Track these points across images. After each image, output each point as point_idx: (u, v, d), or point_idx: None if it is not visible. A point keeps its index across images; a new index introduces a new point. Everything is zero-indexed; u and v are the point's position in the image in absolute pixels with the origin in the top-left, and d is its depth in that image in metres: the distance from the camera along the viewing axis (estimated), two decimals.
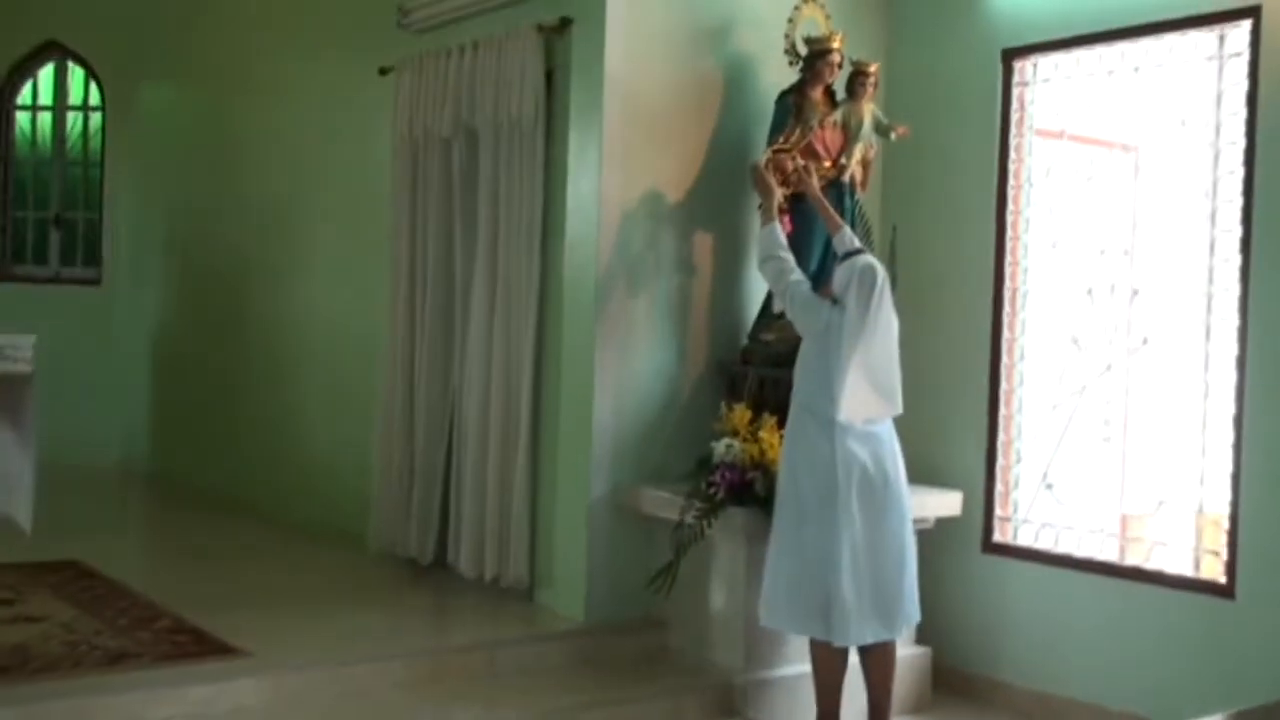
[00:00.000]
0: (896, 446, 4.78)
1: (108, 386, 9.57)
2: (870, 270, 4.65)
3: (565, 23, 5.52)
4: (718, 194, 5.62)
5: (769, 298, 5.50)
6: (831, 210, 5.10)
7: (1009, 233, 5.65)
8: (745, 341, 5.62)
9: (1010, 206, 5.65)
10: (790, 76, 5.52)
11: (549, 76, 5.66)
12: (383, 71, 6.67)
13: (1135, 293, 5.31)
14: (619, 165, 5.32)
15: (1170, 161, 5.31)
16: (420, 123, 6.29)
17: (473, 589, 5.93)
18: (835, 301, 4.70)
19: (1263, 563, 4.76)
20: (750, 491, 4.97)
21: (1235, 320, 4.87)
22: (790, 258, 4.98)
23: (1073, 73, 5.48)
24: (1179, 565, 5.12)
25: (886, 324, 4.67)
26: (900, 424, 5.42)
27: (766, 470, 4.99)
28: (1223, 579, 4.91)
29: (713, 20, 5.60)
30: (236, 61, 8.38)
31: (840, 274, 4.69)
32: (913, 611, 4.79)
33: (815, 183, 5.18)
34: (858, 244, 4.89)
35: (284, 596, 5.86)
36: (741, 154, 5.65)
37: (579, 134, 5.42)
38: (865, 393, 4.60)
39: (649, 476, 5.47)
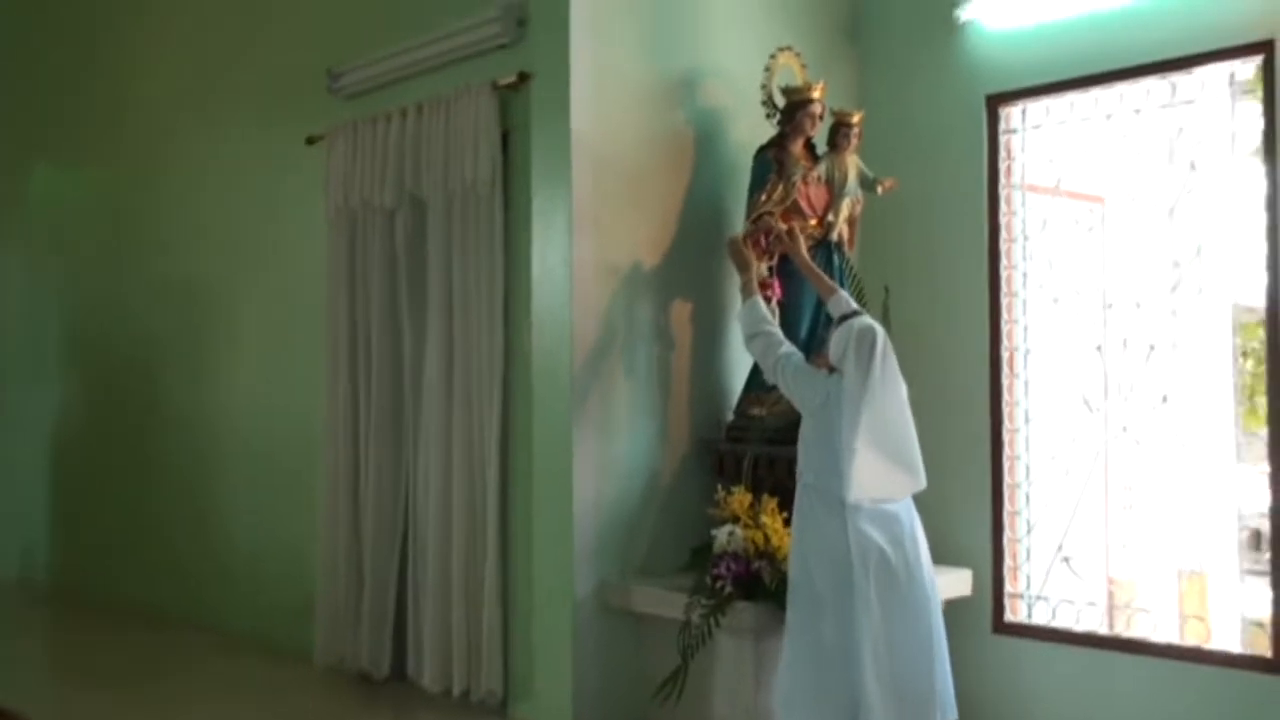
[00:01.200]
0: (918, 526, 4.34)
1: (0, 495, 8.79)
2: (869, 332, 4.24)
3: (524, 78, 5.07)
4: (694, 258, 5.19)
5: (755, 369, 5.05)
6: (822, 275, 4.70)
7: (1004, 289, 5.30)
8: (730, 417, 5.17)
9: (1004, 261, 5.30)
10: (762, 131, 5.12)
11: (504, 137, 5.20)
12: (310, 141, 6.16)
13: (1151, 348, 4.97)
14: (590, 230, 4.86)
15: (1178, 209, 5.00)
16: (357, 193, 5.77)
17: (438, 705, 5.33)
18: (833, 370, 4.28)
19: None
20: (758, 583, 4.49)
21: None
22: (777, 331, 4.57)
23: (1066, 118, 5.17)
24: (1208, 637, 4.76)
25: (894, 389, 4.24)
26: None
27: (773, 559, 4.52)
28: (1269, 653, 4.54)
29: (679, 73, 5.20)
30: (142, 137, 7.76)
31: (836, 339, 4.27)
32: (949, 708, 4.32)
33: (803, 248, 4.78)
34: (853, 305, 4.49)
35: None
36: (716, 213, 5.24)
37: (543, 197, 4.95)
38: (879, 467, 4.17)
39: (635, 571, 4.97)
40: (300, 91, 6.33)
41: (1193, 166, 5.00)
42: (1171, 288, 5.02)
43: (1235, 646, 4.94)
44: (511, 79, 5.10)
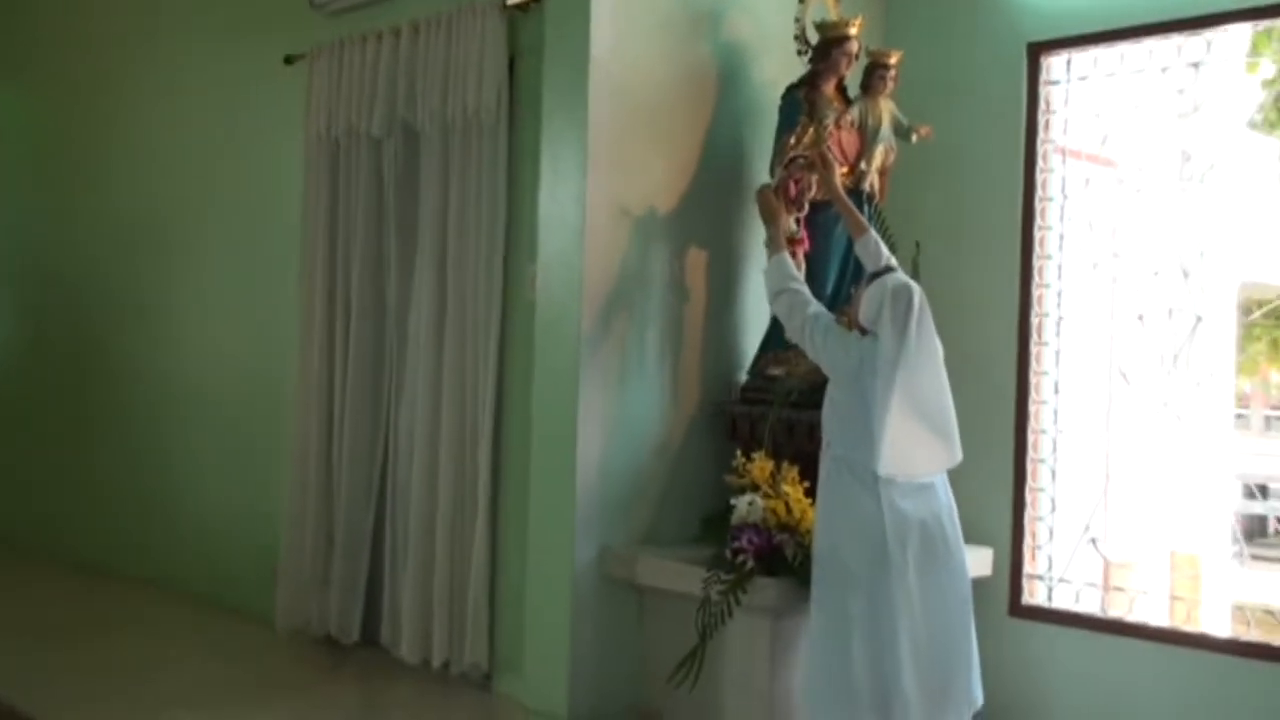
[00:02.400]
0: (952, 499, 4.01)
1: None
2: (904, 290, 3.88)
3: None
4: (712, 203, 4.79)
5: (774, 325, 4.69)
6: (855, 210, 4.33)
7: (1036, 251, 4.96)
8: (745, 377, 4.79)
9: (1038, 221, 4.96)
10: (788, 71, 4.73)
11: (510, 63, 4.76)
12: (288, 60, 5.68)
13: (1199, 319, 4.66)
14: (606, 168, 4.44)
15: (1234, 169, 4.70)
16: (341, 120, 5.30)
17: (412, 676, 4.96)
18: (864, 332, 3.92)
19: None
20: (779, 558, 4.13)
21: None
22: (805, 289, 4.18)
23: (1116, 69, 4.82)
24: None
25: (930, 352, 3.90)
26: None
27: (795, 532, 4.17)
28: None
29: (705, 2, 4.78)
30: (98, 55, 7.16)
31: (869, 299, 3.90)
32: (977, 695, 4.01)
33: (837, 177, 4.40)
34: (886, 258, 4.12)
35: (165, 686, 4.82)
36: (736, 156, 4.86)
37: (555, 130, 4.51)
38: (916, 439, 3.84)
39: (638, 539, 4.59)
40: (276, 5, 5.83)
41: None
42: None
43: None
44: None
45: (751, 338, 4.87)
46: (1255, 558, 7.89)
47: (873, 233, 4.21)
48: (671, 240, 4.67)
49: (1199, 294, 5.10)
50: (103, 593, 6.46)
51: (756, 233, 4.85)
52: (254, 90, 6.01)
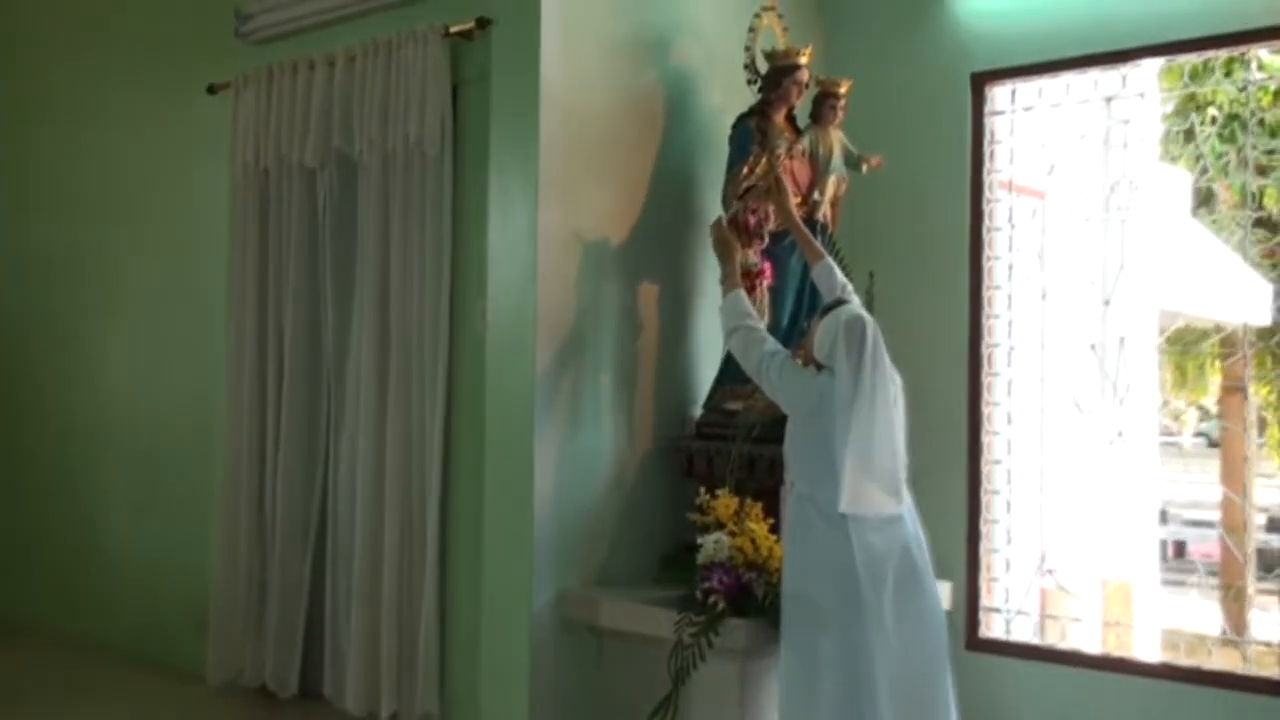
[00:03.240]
0: (919, 529, 3.92)
1: None
2: (858, 323, 3.76)
3: (483, 24, 4.50)
4: (663, 234, 4.69)
5: (729, 359, 4.59)
6: (810, 237, 4.27)
7: (985, 281, 4.94)
8: (700, 411, 4.69)
9: (987, 251, 4.95)
10: (736, 97, 4.67)
11: (453, 92, 4.63)
12: (211, 90, 5.46)
13: (1122, 343, 4.69)
14: (558, 198, 4.31)
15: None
16: (271, 150, 5.11)
17: None
18: (820, 367, 3.83)
19: None
20: (749, 598, 4.02)
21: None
22: (759, 326, 4.08)
23: (1061, 100, 4.84)
24: None
25: (884, 390, 3.76)
26: None
27: (763, 570, 4.06)
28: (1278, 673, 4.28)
29: (652, 28, 4.70)
30: (13, 81, 6.85)
31: (823, 333, 3.79)
32: None
33: (791, 202, 4.33)
34: (842, 286, 4.06)
35: None
36: (686, 185, 4.77)
37: (505, 160, 4.37)
38: (870, 476, 3.72)
39: (594, 580, 4.44)
40: (199, 33, 5.62)
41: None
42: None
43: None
44: (467, 25, 4.53)
45: (704, 371, 4.78)
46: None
47: (829, 259, 4.15)
48: (624, 272, 4.56)
49: (1122, 321, 5.16)
50: (11, 650, 6.09)
51: (707, 264, 4.77)
52: (176, 119, 5.79)
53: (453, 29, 4.57)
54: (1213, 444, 12.36)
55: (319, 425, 5.02)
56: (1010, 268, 4.94)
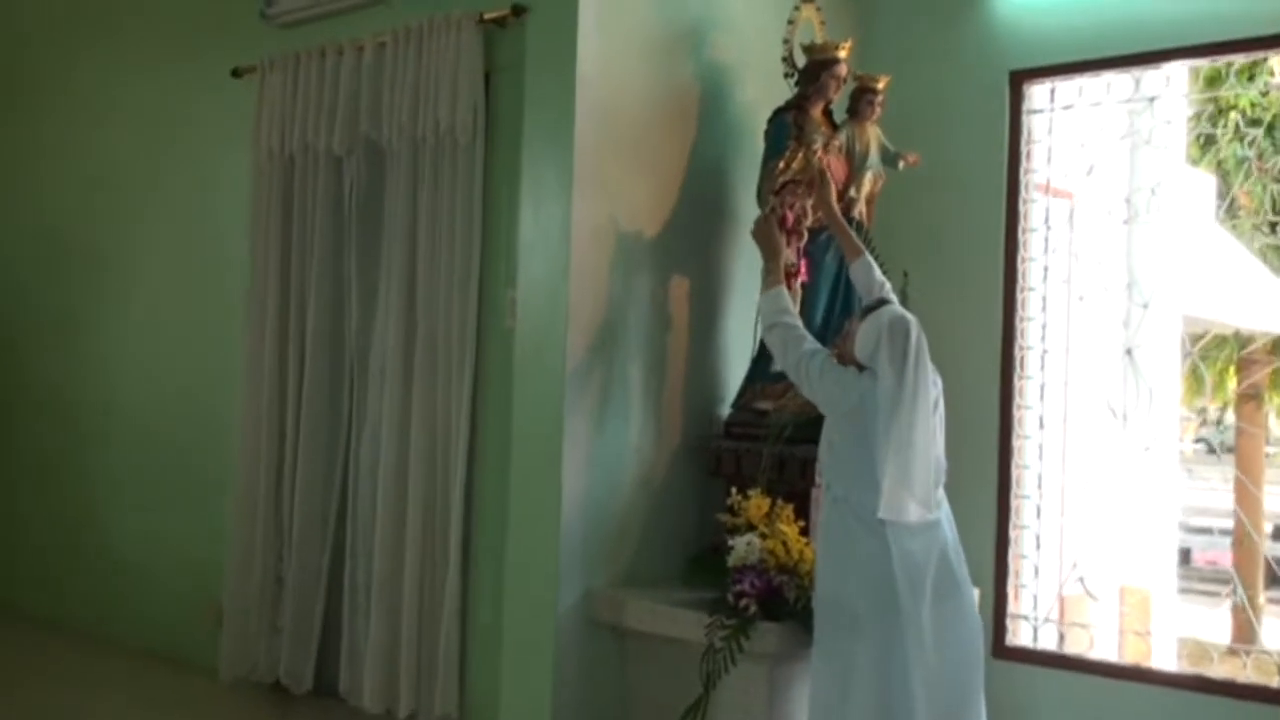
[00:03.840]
0: (956, 534, 3.84)
1: None
2: (901, 324, 3.67)
3: (518, 12, 4.42)
4: (695, 228, 4.61)
5: (759, 357, 4.52)
6: (850, 232, 4.17)
7: (1020, 284, 4.86)
8: (729, 410, 4.61)
9: (1021, 253, 4.87)
10: (771, 93, 4.59)
11: (485, 79, 4.55)
12: (236, 74, 5.38)
13: (1189, 354, 4.61)
14: (592, 190, 4.23)
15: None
16: (296, 136, 5.03)
17: None
18: (861, 368, 3.75)
19: None
20: (780, 601, 3.94)
21: None
22: (799, 323, 3.98)
23: (1102, 99, 4.76)
24: None
25: (925, 394, 3.68)
26: None
27: (794, 573, 3.98)
28: None
29: (688, 21, 4.61)
30: (33, 61, 6.74)
31: (865, 334, 3.69)
32: None
33: (834, 196, 4.24)
34: (881, 285, 3.97)
35: None
36: (720, 179, 4.70)
37: (538, 150, 4.30)
38: (909, 483, 3.63)
39: (620, 581, 4.36)
40: (224, 16, 5.53)
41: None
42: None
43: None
44: (502, 12, 4.44)
45: (733, 369, 4.70)
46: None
47: (868, 256, 4.06)
48: (655, 266, 4.48)
49: (1150, 327, 5.09)
50: (24, 640, 6.01)
51: (739, 260, 4.71)
52: (198, 103, 5.70)
53: (487, 16, 4.47)
54: (1212, 450, 12.28)
55: (340, 418, 4.94)
56: (1045, 270, 4.86)
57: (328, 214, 4.95)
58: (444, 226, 4.55)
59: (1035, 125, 4.88)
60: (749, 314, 4.60)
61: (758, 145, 4.62)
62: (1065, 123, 4.84)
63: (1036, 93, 4.88)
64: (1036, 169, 4.88)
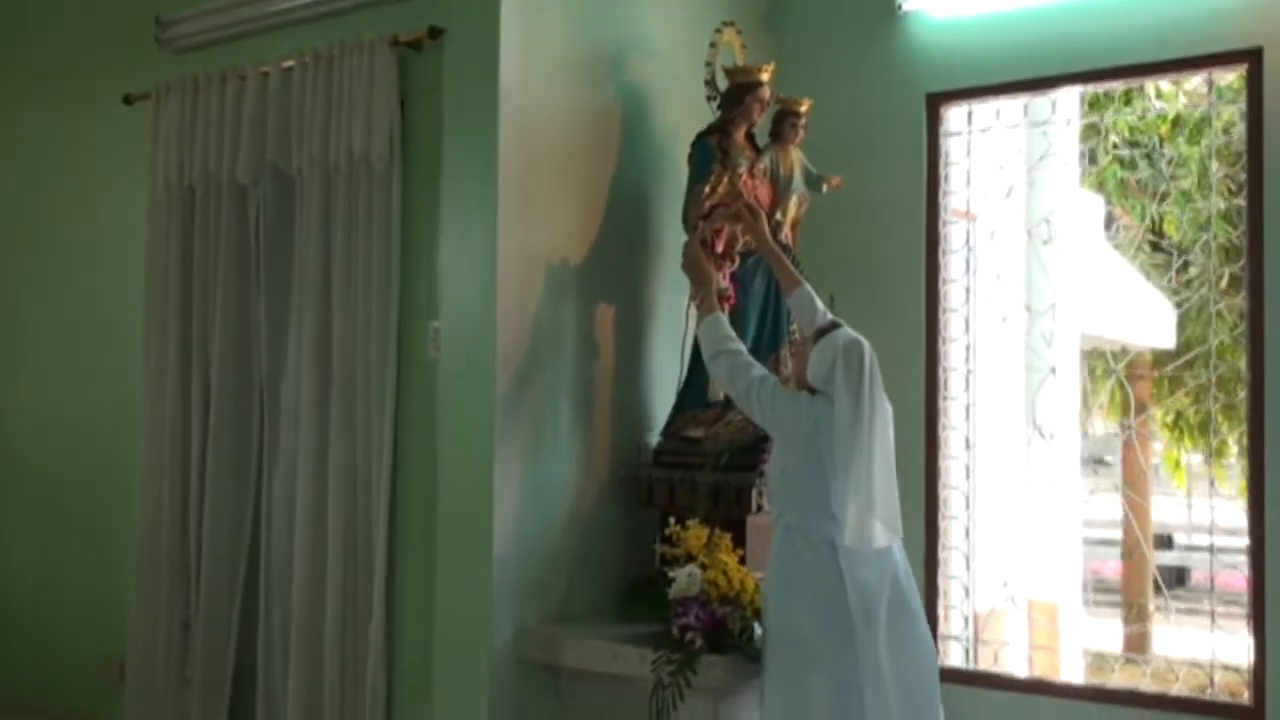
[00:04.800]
0: (907, 560, 3.80)
1: None
2: (856, 347, 3.66)
3: (435, 34, 4.29)
4: (619, 253, 4.52)
5: (688, 384, 4.44)
6: (787, 261, 4.11)
7: (941, 305, 4.87)
8: (658, 439, 4.51)
9: (942, 274, 4.87)
10: (689, 116, 4.53)
11: (401, 104, 4.41)
12: (128, 100, 5.14)
13: (1114, 371, 4.66)
14: (518, 216, 4.11)
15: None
16: (196, 165, 4.83)
17: None
18: (813, 392, 3.69)
19: None
20: (724, 632, 3.85)
21: None
22: (743, 349, 3.93)
23: (1018, 121, 4.80)
24: None
25: (882, 417, 3.67)
26: None
27: (737, 604, 3.89)
28: (1249, 701, 4.25)
29: (607, 43, 4.52)
30: None
31: (819, 358, 3.65)
32: None
33: (765, 225, 4.17)
34: (824, 313, 3.92)
35: None
36: (642, 203, 4.61)
37: (461, 176, 4.15)
38: (865, 514, 3.60)
39: (551, 617, 4.23)
40: (114, 41, 5.31)
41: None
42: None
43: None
44: (417, 34, 4.32)
45: (660, 397, 4.61)
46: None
47: (806, 286, 4.01)
48: (580, 293, 4.37)
49: (1051, 346, 5.17)
50: None
51: (663, 285, 4.64)
52: (87, 131, 5.44)
53: (402, 38, 4.34)
54: (1106, 464, 12.56)
55: (249, 456, 4.73)
56: (967, 291, 4.88)
57: (232, 244, 4.75)
58: (360, 255, 4.39)
59: (953, 147, 4.90)
60: (674, 341, 4.52)
61: (678, 168, 4.55)
62: (983, 145, 4.87)
63: (953, 115, 4.90)
64: (955, 191, 4.90)
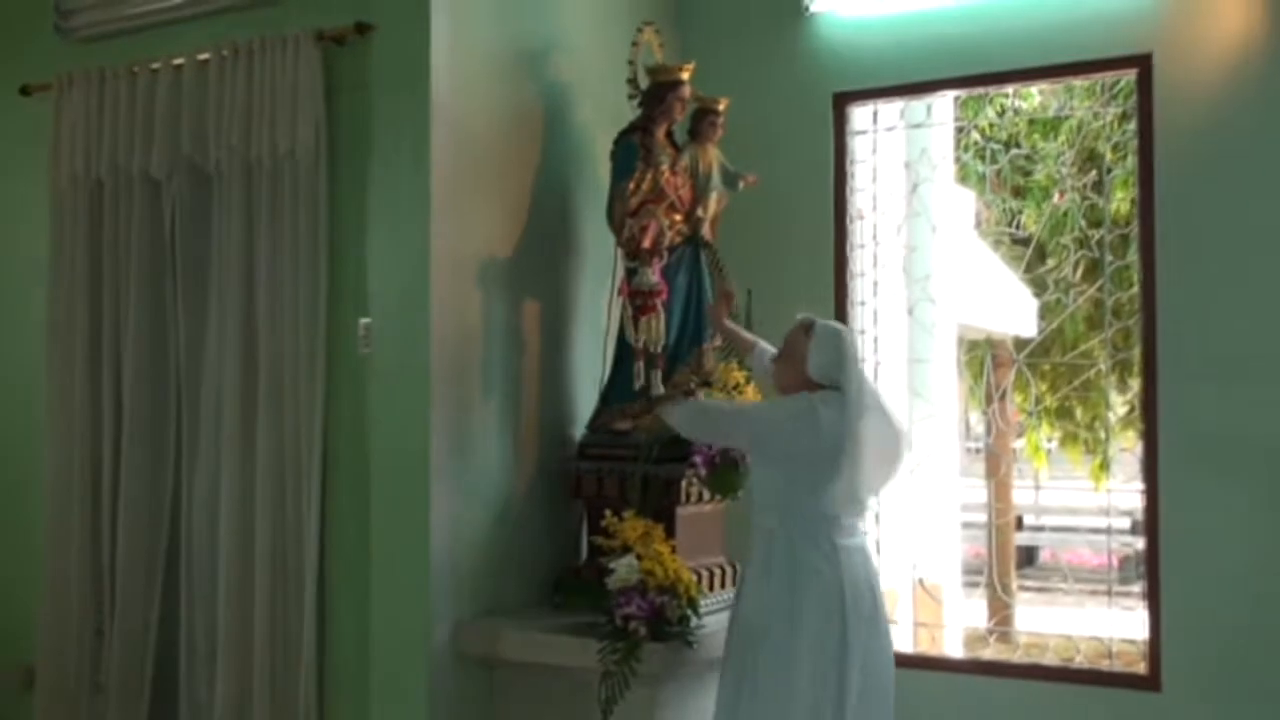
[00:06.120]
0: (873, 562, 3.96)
1: None
2: (847, 334, 3.90)
3: (362, 29, 4.27)
4: (543, 250, 4.57)
5: (614, 378, 4.51)
6: (742, 333, 4.31)
7: (849, 299, 5.03)
8: (583, 432, 4.58)
9: (850, 269, 5.04)
10: (607, 115, 4.62)
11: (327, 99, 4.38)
12: (25, 91, 4.98)
13: (1016, 361, 4.88)
14: (450, 212, 4.12)
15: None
16: (105, 159, 4.70)
17: None
18: (817, 387, 3.77)
19: (1188, 651, 4.40)
20: (663, 621, 3.94)
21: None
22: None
23: (922, 121, 4.99)
24: None
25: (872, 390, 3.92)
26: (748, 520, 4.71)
27: (673, 593, 3.99)
28: (1145, 670, 4.51)
29: (530, 40, 4.56)
30: None
31: (820, 349, 3.76)
32: None
33: (724, 311, 4.34)
34: (773, 357, 4.05)
35: None
36: (564, 201, 4.67)
37: (390, 173, 4.14)
38: (863, 486, 3.80)
39: (485, 611, 4.27)
40: (8, 28, 5.12)
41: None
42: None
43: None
44: (343, 29, 4.29)
45: (583, 391, 4.68)
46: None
47: (761, 343, 4.21)
48: (508, 290, 4.41)
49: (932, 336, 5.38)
50: None
51: (584, 281, 4.72)
52: None
53: (327, 33, 4.31)
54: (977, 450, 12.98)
55: (166, 456, 4.63)
56: (875, 285, 5.05)
57: (145, 238, 4.64)
58: (286, 251, 4.34)
59: (859, 146, 5.06)
60: (597, 335, 4.60)
61: (598, 166, 4.65)
62: (887, 143, 5.05)
63: (859, 114, 5.06)
64: (861, 188, 5.06)
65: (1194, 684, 4.36)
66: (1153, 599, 4.47)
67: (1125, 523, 8.58)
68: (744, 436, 3.89)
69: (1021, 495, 10.73)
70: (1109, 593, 4.82)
